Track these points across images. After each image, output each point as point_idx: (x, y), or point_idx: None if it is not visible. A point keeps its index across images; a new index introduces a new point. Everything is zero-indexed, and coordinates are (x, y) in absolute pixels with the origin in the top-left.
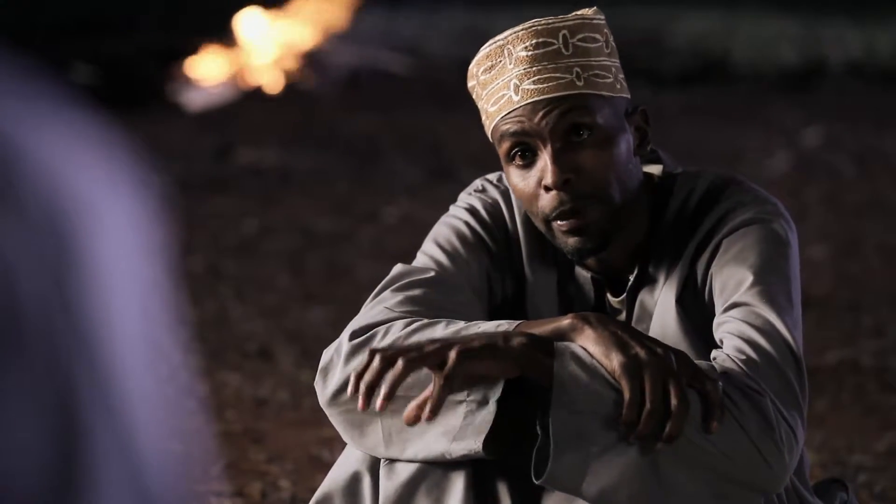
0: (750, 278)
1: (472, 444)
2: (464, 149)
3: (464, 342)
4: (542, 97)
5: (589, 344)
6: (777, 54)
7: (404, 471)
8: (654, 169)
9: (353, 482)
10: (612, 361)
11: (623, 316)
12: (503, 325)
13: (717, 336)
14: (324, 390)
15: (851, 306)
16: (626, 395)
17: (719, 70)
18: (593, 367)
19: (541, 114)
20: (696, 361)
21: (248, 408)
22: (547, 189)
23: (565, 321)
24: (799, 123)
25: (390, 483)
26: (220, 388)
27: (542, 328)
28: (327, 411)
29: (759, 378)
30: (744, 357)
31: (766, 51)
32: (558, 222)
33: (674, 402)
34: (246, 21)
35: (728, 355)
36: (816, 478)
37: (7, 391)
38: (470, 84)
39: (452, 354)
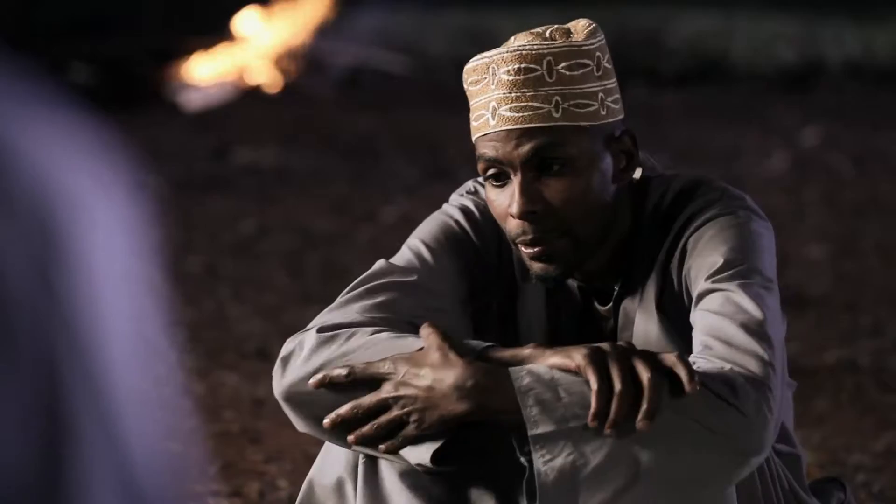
0: (712, 267)
1: (424, 455)
2: (462, 149)
3: (416, 418)
4: (515, 126)
5: (548, 359)
6: (775, 54)
7: (386, 471)
8: (635, 173)
9: (338, 485)
10: (575, 358)
11: (611, 324)
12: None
13: (693, 337)
14: (281, 380)
15: (850, 306)
16: (593, 383)
17: (718, 70)
18: (554, 379)
19: (513, 143)
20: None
21: (245, 408)
22: (513, 216)
23: (525, 350)
24: (797, 123)
25: (368, 486)
26: (218, 387)
27: (502, 353)
28: (282, 402)
29: (724, 359)
30: (701, 348)
31: (765, 51)
32: (523, 247)
33: (645, 376)
34: (244, 21)
35: (695, 356)
36: (814, 477)
37: None
38: (464, 86)
39: (410, 429)
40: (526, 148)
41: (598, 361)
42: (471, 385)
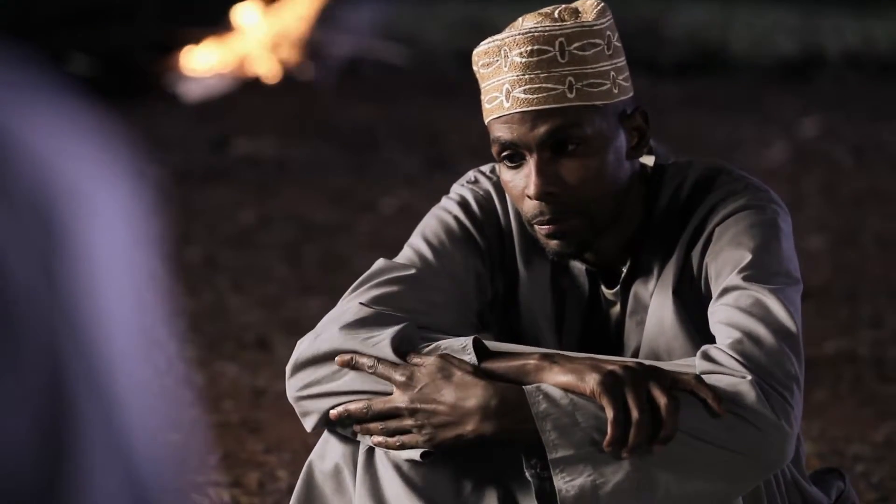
0: (742, 262)
1: (413, 453)
2: (462, 140)
3: (428, 432)
4: (530, 108)
5: (558, 377)
6: (775, 45)
7: (383, 463)
8: (647, 160)
9: (336, 472)
10: (589, 383)
11: (618, 308)
12: (465, 345)
13: (711, 328)
14: (290, 382)
15: (849, 296)
16: (609, 413)
17: (717, 60)
18: (570, 403)
19: (529, 125)
20: (671, 369)
21: (245, 398)
22: (530, 197)
23: (530, 362)
24: (797, 114)
25: (366, 475)
26: (218, 378)
27: (506, 364)
28: (294, 403)
29: (747, 359)
30: (730, 341)
31: (764, 41)
32: (539, 226)
33: (663, 401)
34: (243, 11)
35: (717, 347)
36: (814, 468)
37: None
38: (473, 69)
39: (418, 440)
40: (542, 130)
41: (613, 388)
42: (494, 406)
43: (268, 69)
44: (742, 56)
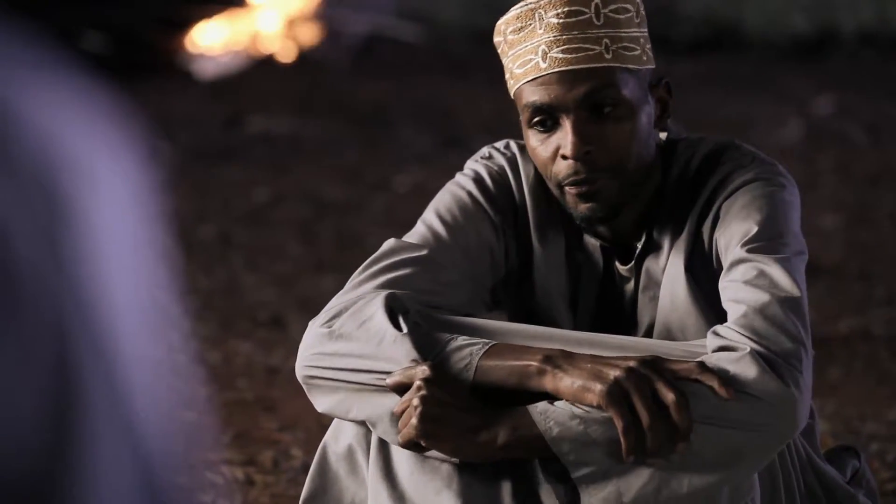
0: (747, 234)
1: None
2: (475, 117)
3: (428, 430)
4: (569, 67)
5: (562, 388)
6: (789, 23)
7: (396, 447)
8: (661, 136)
9: (350, 453)
10: (595, 395)
11: (632, 284)
12: (472, 354)
13: (723, 305)
14: (299, 362)
15: (863, 275)
16: (620, 424)
17: (731, 38)
18: (580, 421)
19: (567, 85)
20: (683, 351)
21: (259, 376)
22: (564, 157)
23: (533, 365)
24: (811, 92)
25: (379, 455)
26: (232, 356)
27: (510, 364)
28: (302, 383)
29: (751, 331)
30: (736, 316)
31: (779, 19)
32: (570, 188)
33: (671, 398)
34: None
35: (726, 325)
36: (829, 447)
37: (2, 353)
38: (496, 40)
39: (411, 431)
40: (581, 89)
41: (620, 398)
42: (504, 441)
43: (282, 47)
44: (756, 34)
